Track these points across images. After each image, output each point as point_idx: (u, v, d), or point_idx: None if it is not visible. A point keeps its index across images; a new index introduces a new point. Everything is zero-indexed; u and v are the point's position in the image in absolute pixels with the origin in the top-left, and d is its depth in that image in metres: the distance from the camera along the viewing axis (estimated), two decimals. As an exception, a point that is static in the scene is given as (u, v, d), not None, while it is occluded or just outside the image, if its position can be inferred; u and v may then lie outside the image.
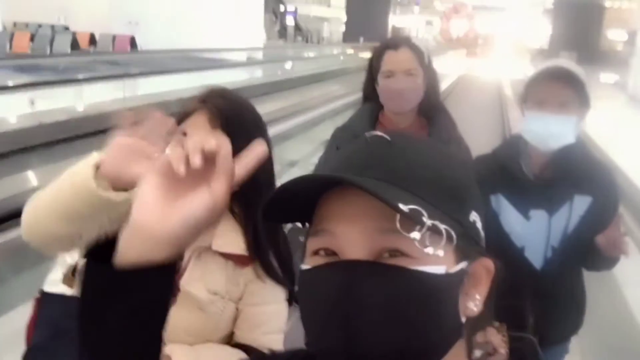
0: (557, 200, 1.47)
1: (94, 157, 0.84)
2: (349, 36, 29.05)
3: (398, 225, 0.47)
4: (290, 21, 33.11)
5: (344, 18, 31.86)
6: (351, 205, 0.50)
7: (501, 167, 1.52)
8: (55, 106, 6.25)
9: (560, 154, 1.44)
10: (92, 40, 15.38)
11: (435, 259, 0.48)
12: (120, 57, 13.85)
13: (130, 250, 0.52)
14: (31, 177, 4.26)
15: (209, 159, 0.51)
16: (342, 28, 32.88)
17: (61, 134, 5.19)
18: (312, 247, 0.52)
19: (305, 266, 0.52)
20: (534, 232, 1.49)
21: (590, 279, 1.62)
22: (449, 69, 15.20)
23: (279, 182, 1.18)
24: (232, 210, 1.14)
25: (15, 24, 16.61)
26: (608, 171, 1.54)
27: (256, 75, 12.71)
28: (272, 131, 1.11)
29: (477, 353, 0.56)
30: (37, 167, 4.45)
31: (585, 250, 1.48)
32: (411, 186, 0.49)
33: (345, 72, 12.88)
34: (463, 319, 0.52)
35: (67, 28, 16.29)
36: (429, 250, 0.47)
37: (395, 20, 35.01)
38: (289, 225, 1.44)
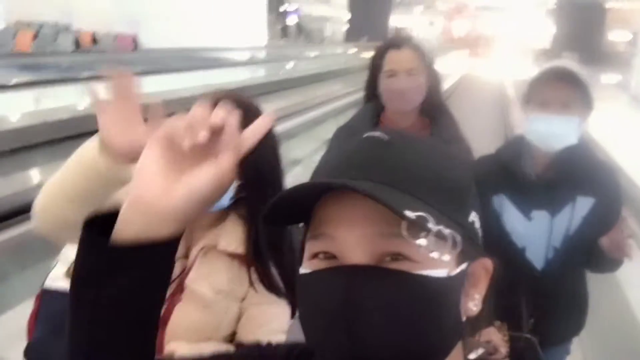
0: (559, 201, 1.47)
1: (97, 135, 0.84)
2: (352, 36, 29.02)
3: (405, 232, 0.46)
4: (292, 20, 33.10)
5: (346, 17, 31.84)
6: (350, 209, 0.49)
7: (503, 167, 1.52)
8: (58, 104, 6.26)
9: (562, 155, 1.44)
10: (94, 39, 15.40)
11: (438, 262, 0.47)
12: (122, 56, 13.86)
13: (130, 226, 0.50)
14: (34, 174, 4.27)
15: (216, 132, 0.50)
16: (344, 27, 32.86)
17: (63, 132, 5.20)
18: (311, 250, 0.51)
19: (304, 270, 0.51)
20: (535, 233, 1.49)
21: (592, 279, 1.62)
22: (451, 69, 15.18)
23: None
24: (239, 212, 1.14)
25: (17, 23, 16.63)
26: (611, 172, 1.54)
27: (259, 74, 12.71)
28: (275, 129, 1.11)
29: (478, 352, 0.56)
30: (40, 165, 4.46)
31: (588, 252, 1.48)
32: (411, 188, 0.48)
33: (348, 71, 12.88)
34: (463, 319, 0.52)
35: (69, 27, 16.31)
36: (435, 255, 0.47)
37: (398, 20, 34.98)
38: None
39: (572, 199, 1.47)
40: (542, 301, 1.50)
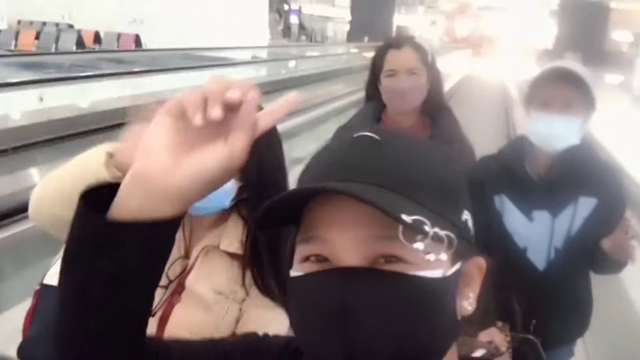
0: (560, 202, 1.47)
1: (107, 146, 0.84)
2: (353, 35, 29.01)
3: (401, 236, 0.46)
4: (294, 20, 33.11)
5: (348, 17, 31.84)
6: (341, 211, 0.48)
7: (505, 167, 1.52)
8: (61, 103, 6.28)
9: (565, 155, 1.44)
10: (97, 38, 15.42)
11: (433, 263, 0.47)
12: (124, 55, 13.88)
13: (130, 202, 0.47)
14: (34, 173, 4.28)
15: (231, 109, 0.46)
16: (346, 27, 32.86)
17: (65, 130, 5.21)
18: (303, 253, 0.50)
19: (295, 273, 0.50)
20: (536, 233, 1.48)
21: (595, 280, 1.62)
22: (453, 69, 15.17)
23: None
24: (241, 213, 1.14)
25: (19, 22, 16.66)
26: (613, 173, 1.53)
27: (261, 73, 12.72)
28: (278, 128, 1.09)
29: (480, 352, 0.56)
30: (41, 163, 4.47)
31: (590, 253, 1.47)
32: (405, 189, 0.47)
33: (350, 71, 12.89)
34: (458, 319, 0.51)
35: (71, 26, 16.33)
36: (431, 257, 0.47)
37: (400, 19, 34.96)
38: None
39: (574, 199, 1.46)
40: (544, 302, 1.49)
